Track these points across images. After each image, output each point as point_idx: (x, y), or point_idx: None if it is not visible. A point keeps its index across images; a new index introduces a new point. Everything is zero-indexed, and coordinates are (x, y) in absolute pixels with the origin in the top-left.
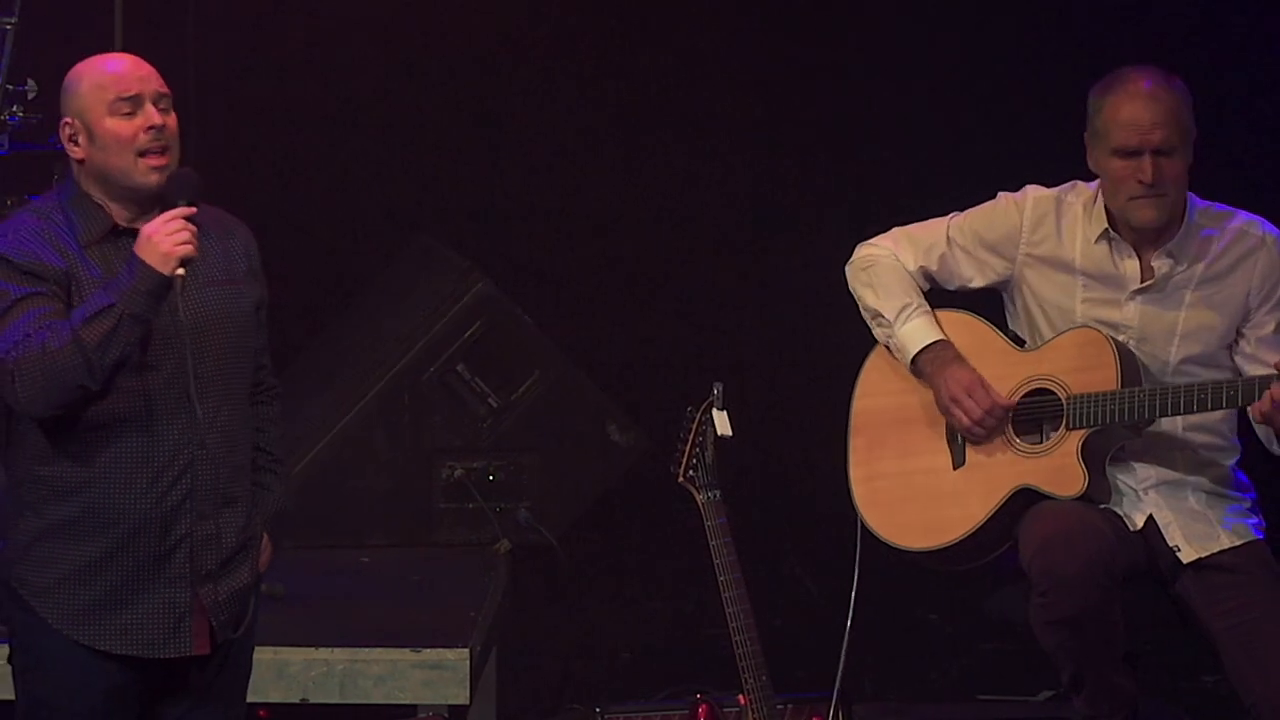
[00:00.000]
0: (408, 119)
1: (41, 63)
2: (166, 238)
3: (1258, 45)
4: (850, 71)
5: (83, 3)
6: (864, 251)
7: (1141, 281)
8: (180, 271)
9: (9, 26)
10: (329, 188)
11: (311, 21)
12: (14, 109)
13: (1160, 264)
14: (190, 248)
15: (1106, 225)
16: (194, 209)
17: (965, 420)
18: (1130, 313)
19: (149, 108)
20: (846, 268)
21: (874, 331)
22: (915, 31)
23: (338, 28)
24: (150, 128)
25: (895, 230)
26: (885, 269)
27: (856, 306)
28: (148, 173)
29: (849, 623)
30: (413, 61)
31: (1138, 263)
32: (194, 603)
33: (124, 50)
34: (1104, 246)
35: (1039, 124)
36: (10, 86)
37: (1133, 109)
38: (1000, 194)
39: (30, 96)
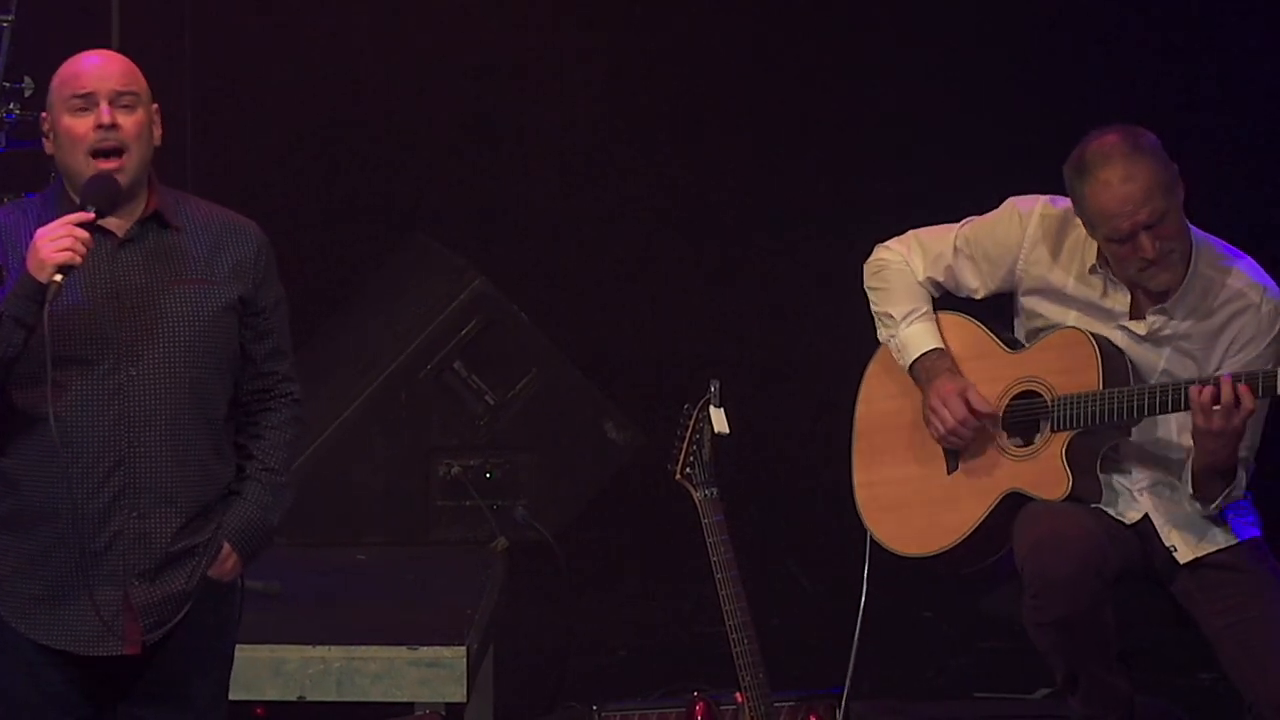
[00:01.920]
0: (405, 118)
1: (38, 60)
2: (48, 244)
3: (1260, 44)
4: (851, 71)
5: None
6: (879, 254)
7: (1130, 318)
8: (57, 278)
9: (6, 24)
10: (326, 187)
11: (308, 20)
12: (11, 106)
13: (1155, 319)
14: (69, 255)
15: (1094, 262)
16: (93, 216)
17: (940, 429)
18: (1119, 339)
19: (102, 106)
20: (865, 265)
21: (879, 332)
22: (917, 31)
23: (335, 26)
24: (99, 126)
25: (909, 234)
26: (895, 274)
27: (855, 304)
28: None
29: (858, 625)
30: (410, 61)
31: (1129, 298)
32: (125, 602)
33: (121, 47)
34: (1098, 277)
35: (1041, 124)
36: (7, 84)
37: (1112, 197)
38: (1010, 200)
39: (27, 94)
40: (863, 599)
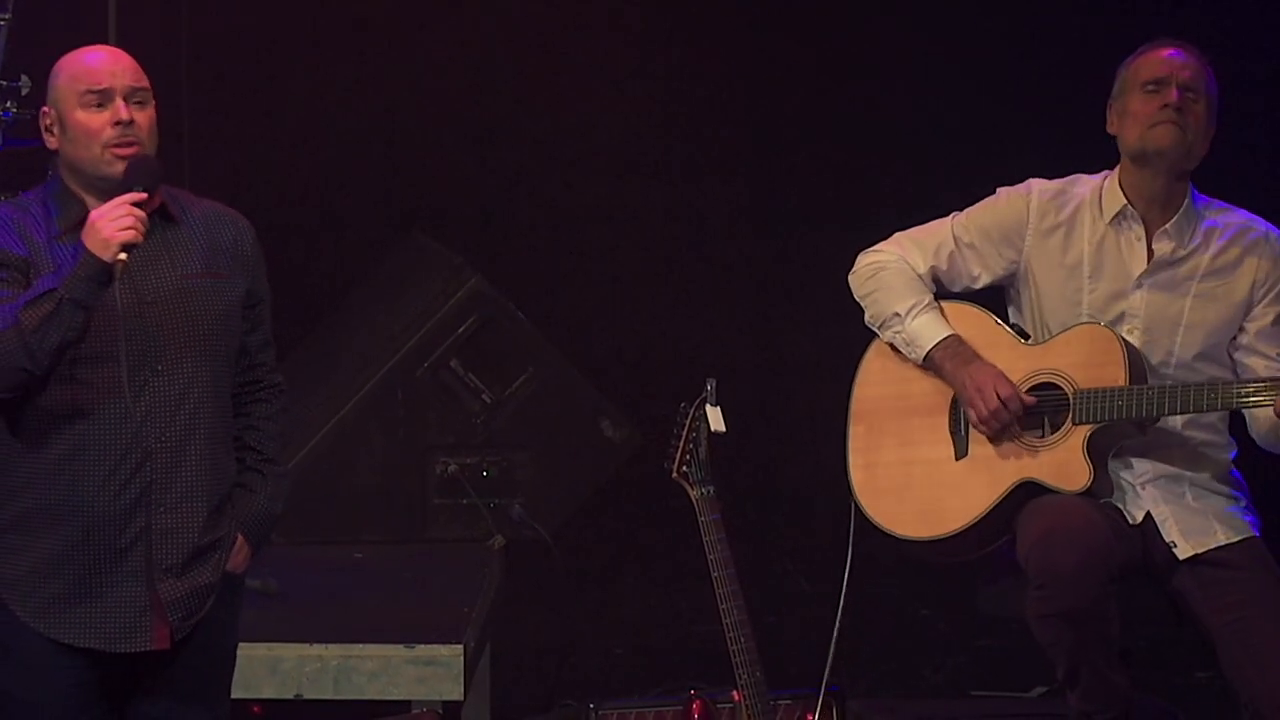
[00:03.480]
0: (403, 116)
1: (36, 58)
2: (110, 223)
3: (1264, 52)
4: (847, 71)
5: None
6: (869, 259)
7: (1147, 263)
8: (122, 257)
9: (3, 22)
10: (326, 187)
11: (306, 18)
12: (8, 104)
13: (1161, 246)
14: (133, 234)
15: (1125, 201)
16: (145, 195)
17: (984, 408)
18: (1136, 302)
19: (118, 102)
20: (850, 277)
21: (882, 335)
22: (915, 31)
23: (332, 25)
24: (117, 123)
25: (897, 235)
26: (893, 273)
27: (854, 303)
28: (114, 161)
29: (839, 611)
30: (409, 59)
31: (1146, 245)
32: (153, 597)
33: (117, 45)
34: (1112, 231)
35: (1042, 125)
36: (4, 83)
37: (1166, 53)
38: (999, 189)
39: (24, 92)
40: (845, 578)
